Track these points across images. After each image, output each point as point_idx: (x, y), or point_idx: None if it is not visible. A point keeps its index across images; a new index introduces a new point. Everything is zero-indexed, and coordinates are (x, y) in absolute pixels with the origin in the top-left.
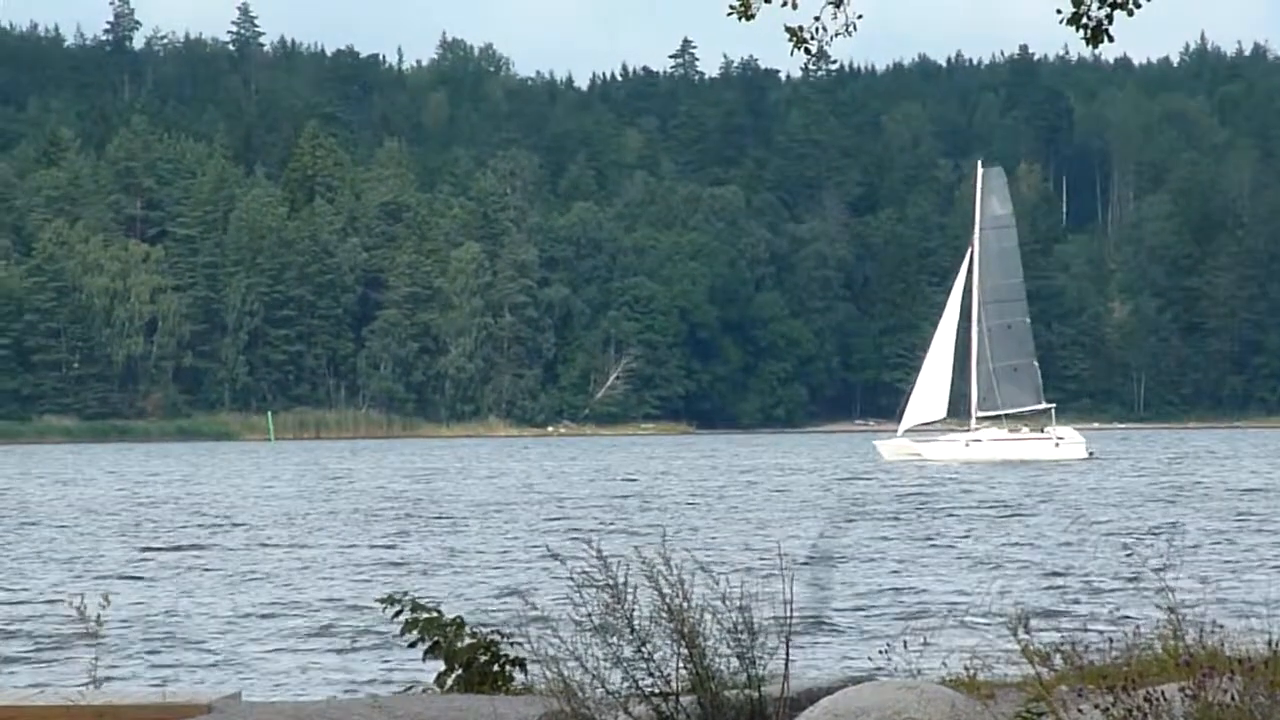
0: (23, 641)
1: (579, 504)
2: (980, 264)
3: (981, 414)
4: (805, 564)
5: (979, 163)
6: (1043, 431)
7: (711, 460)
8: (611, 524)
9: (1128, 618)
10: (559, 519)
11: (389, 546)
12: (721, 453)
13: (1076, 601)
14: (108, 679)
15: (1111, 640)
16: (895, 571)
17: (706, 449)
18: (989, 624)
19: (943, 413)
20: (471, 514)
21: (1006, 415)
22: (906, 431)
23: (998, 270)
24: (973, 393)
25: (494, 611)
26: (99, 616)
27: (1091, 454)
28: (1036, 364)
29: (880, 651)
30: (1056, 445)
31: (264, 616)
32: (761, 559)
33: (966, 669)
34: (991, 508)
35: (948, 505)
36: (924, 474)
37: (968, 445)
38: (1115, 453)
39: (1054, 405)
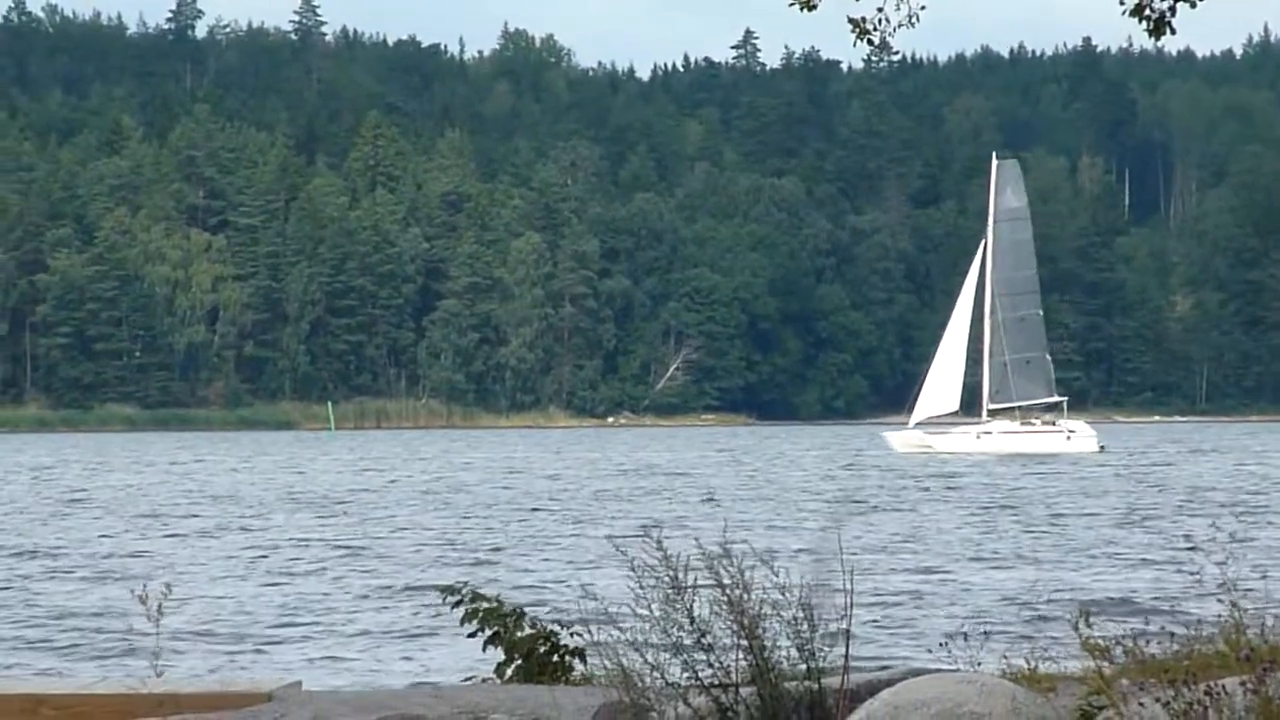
0: (84, 630)
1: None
2: (994, 256)
3: (993, 406)
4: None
5: (994, 155)
6: (1054, 425)
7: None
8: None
9: (1187, 611)
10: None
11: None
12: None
13: (1135, 594)
14: (169, 667)
15: (1172, 634)
16: (949, 565)
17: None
18: (1049, 617)
19: (955, 405)
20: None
21: (1019, 408)
22: (918, 424)
23: (1011, 263)
24: (985, 385)
25: (555, 602)
26: (160, 605)
27: (1103, 447)
28: (1049, 357)
29: (940, 644)
30: (1068, 439)
31: (327, 605)
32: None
33: (1027, 662)
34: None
35: (991, 497)
36: (952, 465)
37: (979, 438)
38: (1132, 448)
39: (1066, 398)
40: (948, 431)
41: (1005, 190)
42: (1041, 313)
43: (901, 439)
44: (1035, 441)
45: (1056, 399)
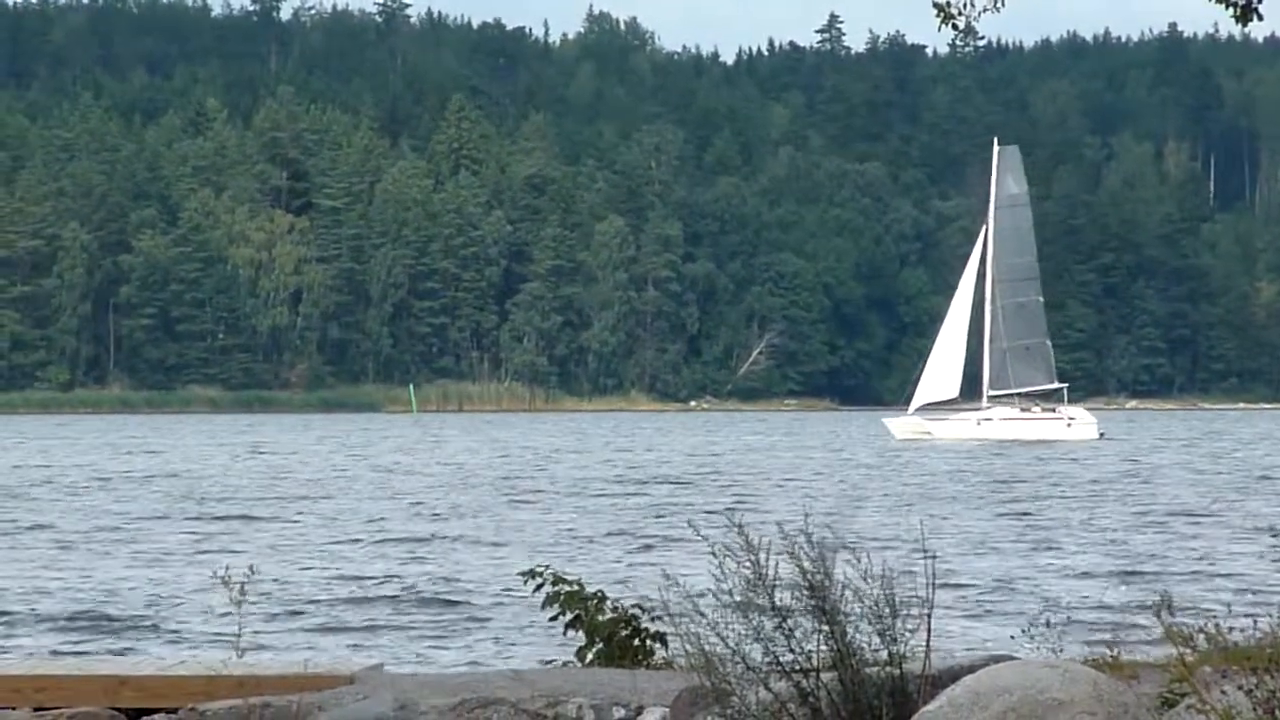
0: (167, 610)
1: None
2: (995, 243)
3: (993, 393)
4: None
5: (995, 140)
6: (1055, 411)
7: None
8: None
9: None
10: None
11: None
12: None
13: (1216, 581)
14: (252, 648)
15: (1255, 621)
16: (1027, 553)
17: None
18: (1132, 605)
19: (955, 392)
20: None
21: (1019, 394)
22: (918, 410)
23: (1012, 249)
24: (985, 372)
25: (636, 585)
26: (243, 586)
27: (1103, 434)
28: (1049, 343)
29: (1022, 630)
30: (1068, 425)
31: (410, 587)
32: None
33: (1109, 649)
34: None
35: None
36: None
37: (979, 424)
38: (1138, 433)
39: (1066, 385)
40: (947, 418)
41: (1006, 177)
42: (1041, 299)
43: (901, 425)
44: (1035, 428)
45: (1056, 385)
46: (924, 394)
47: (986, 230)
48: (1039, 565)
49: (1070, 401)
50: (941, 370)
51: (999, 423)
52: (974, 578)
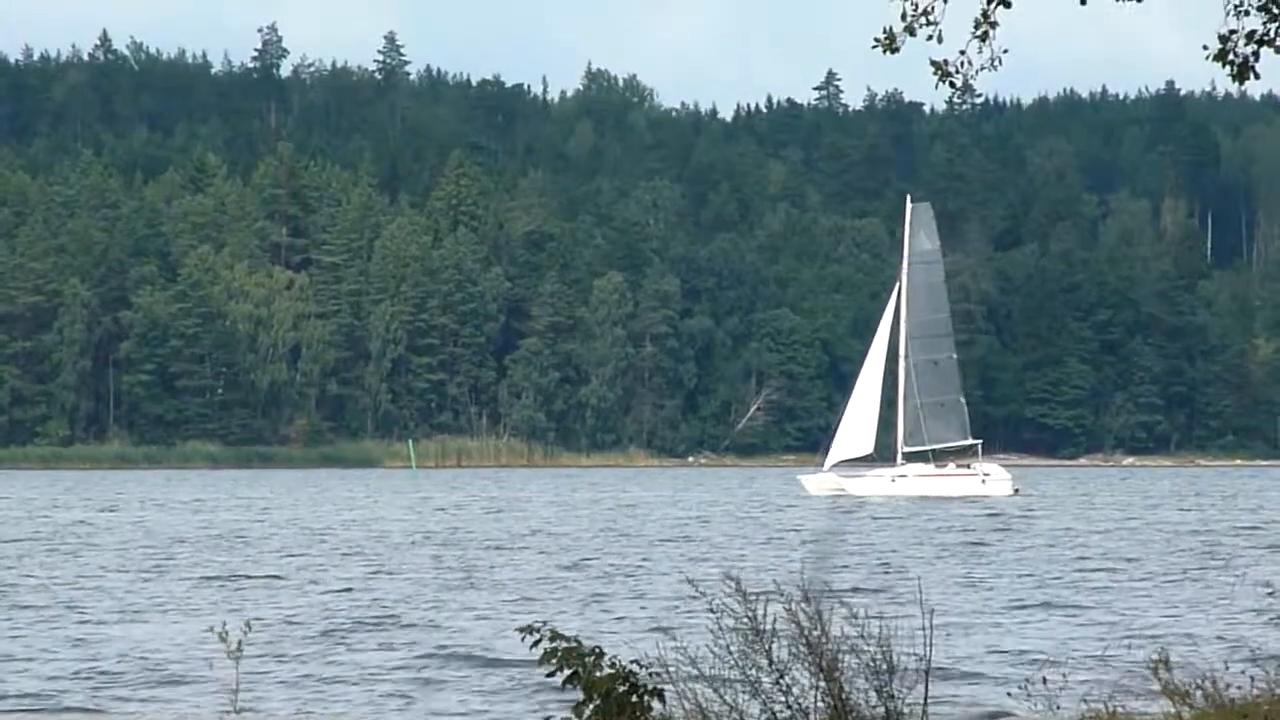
0: (166, 666)
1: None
2: (908, 300)
3: (908, 450)
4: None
5: (908, 197)
6: (969, 468)
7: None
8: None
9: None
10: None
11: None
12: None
13: (1216, 639)
14: (247, 707)
15: (1252, 678)
16: (1020, 609)
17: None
18: (1127, 661)
19: (870, 448)
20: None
21: (933, 451)
22: (833, 466)
23: (925, 305)
24: (899, 429)
25: (633, 642)
26: (240, 643)
27: (1017, 490)
28: (963, 400)
29: (1019, 687)
30: (983, 482)
31: (407, 645)
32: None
33: (1105, 706)
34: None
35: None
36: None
37: (894, 481)
38: (1045, 491)
39: (980, 441)
40: (862, 475)
41: (919, 233)
42: (955, 356)
43: (816, 482)
44: (949, 485)
45: (971, 442)
46: (839, 451)
47: (899, 287)
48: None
49: (1067, 458)
50: (856, 427)
51: (914, 479)
52: (974, 634)
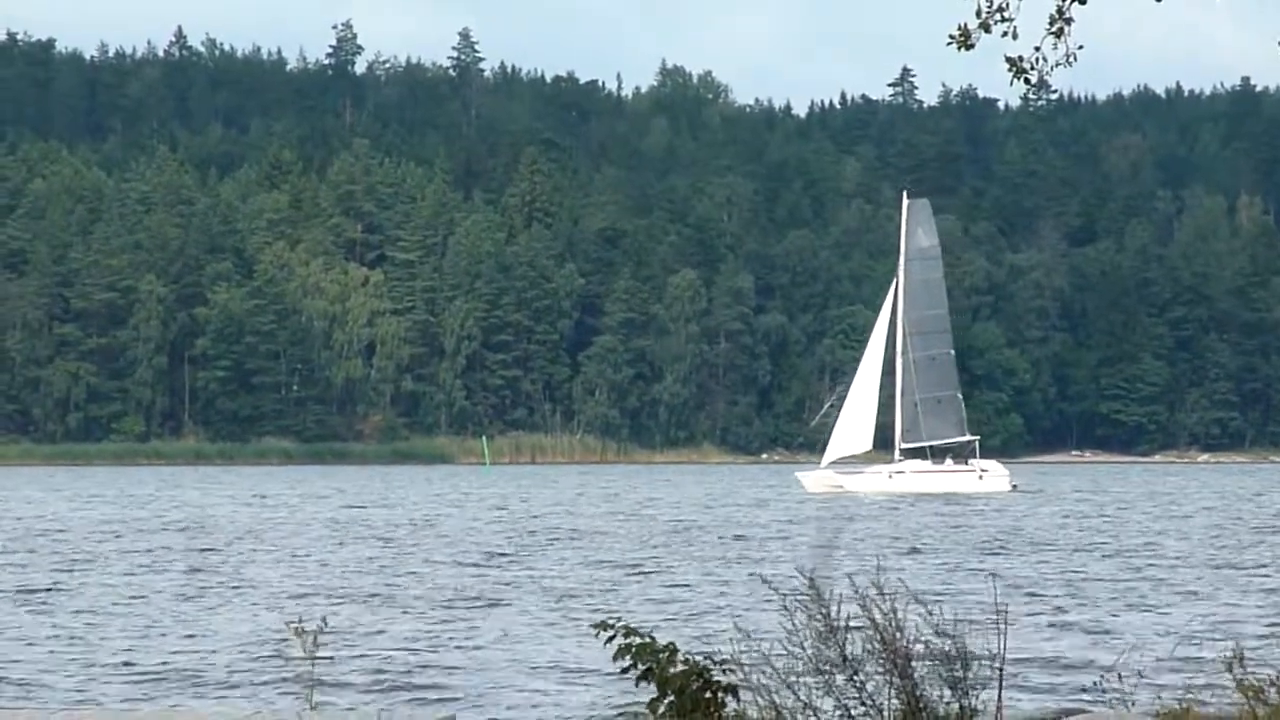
0: (242, 664)
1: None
2: (905, 296)
3: (905, 446)
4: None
5: (904, 193)
6: (967, 464)
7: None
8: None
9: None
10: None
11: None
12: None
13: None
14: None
15: None
16: (1095, 605)
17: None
18: (1202, 658)
19: (868, 445)
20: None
21: (931, 447)
22: (831, 464)
23: (923, 302)
24: (897, 425)
25: (708, 638)
26: (315, 638)
27: (1015, 486)
28: (960, 396)
29: (1094, 683)
30: (980, 478)
31: (480, 638)
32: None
33: (1179, 702)
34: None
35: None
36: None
37: (891, 477)
38: (1043, 487)
39: (978, 438)
40: (860, 472)
41: (916, 230)
42: (953, 352)
43: (813, 479)
44: (947, 481)
45: (969, 438)
46: (836, 448)
47: (897, 284)
48: (1106, 618)
49: (1142, 454)
50: (854, 424)
51: (911, 475)
52: (1044, 629)
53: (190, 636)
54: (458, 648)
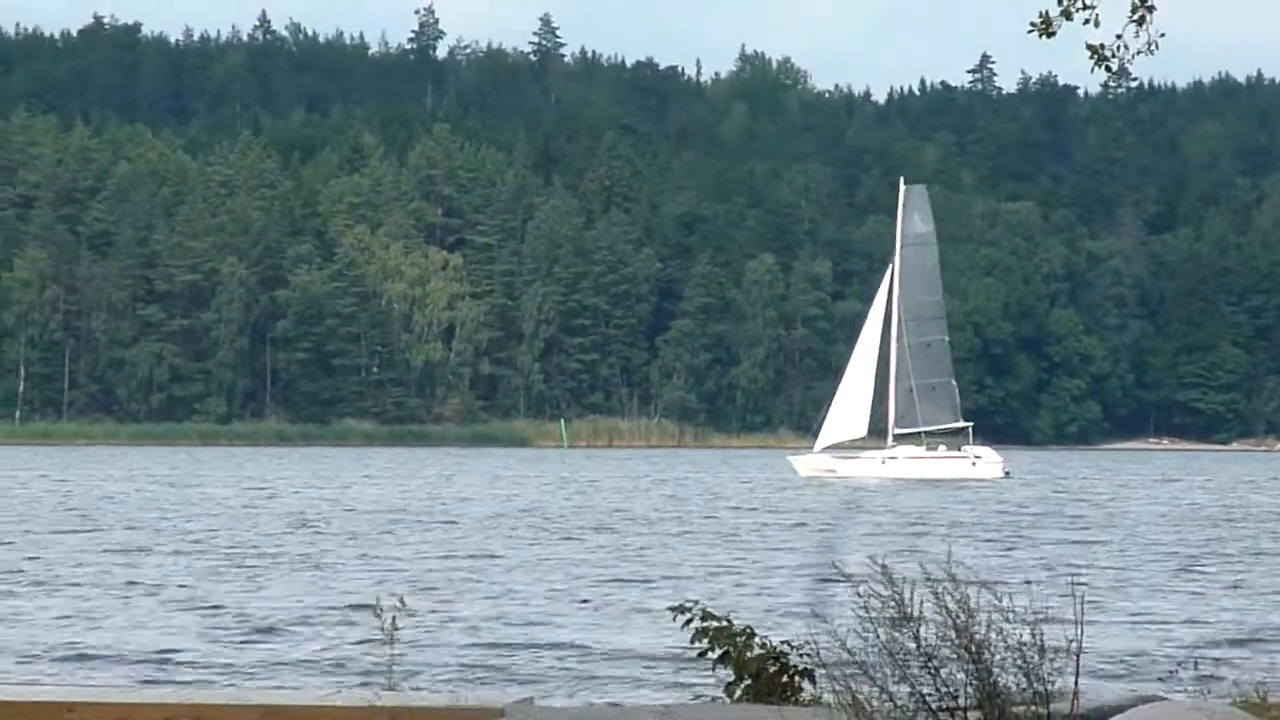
0: (322, 641)
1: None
2: (901, 281)
3: (899, 431)
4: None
5: (901, 180)
6: (960, 450)
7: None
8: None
9: None
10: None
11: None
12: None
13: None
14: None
15: None
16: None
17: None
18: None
19: (863, 431)
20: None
21: (925, 433)
22: (825, 449)
23: (918, 288)
24: (890, 411)
25: (783, 623)
26: (394, 619)
27: (1008, 473)
28: (954, 383)
29: (1170, 672)
30: (974, 464)
31: (562, 622)
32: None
33: (1257, 691)
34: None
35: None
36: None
37: (884, 463)
38: (1036, 473)
39: (971, 424)
40: (853, 457)
41: (913, 215)
42: (947, 338)
43: (805, 463)
44: (940, 467)
45: (962, 424)
46: (830, 433)
47: (893, 269)
48: (1182, 607)
49: (1219, 443)
50: (848, 409)
51: (904, 461)
52: (1126, 615)
53: (275, 612)
54: (535, 628)
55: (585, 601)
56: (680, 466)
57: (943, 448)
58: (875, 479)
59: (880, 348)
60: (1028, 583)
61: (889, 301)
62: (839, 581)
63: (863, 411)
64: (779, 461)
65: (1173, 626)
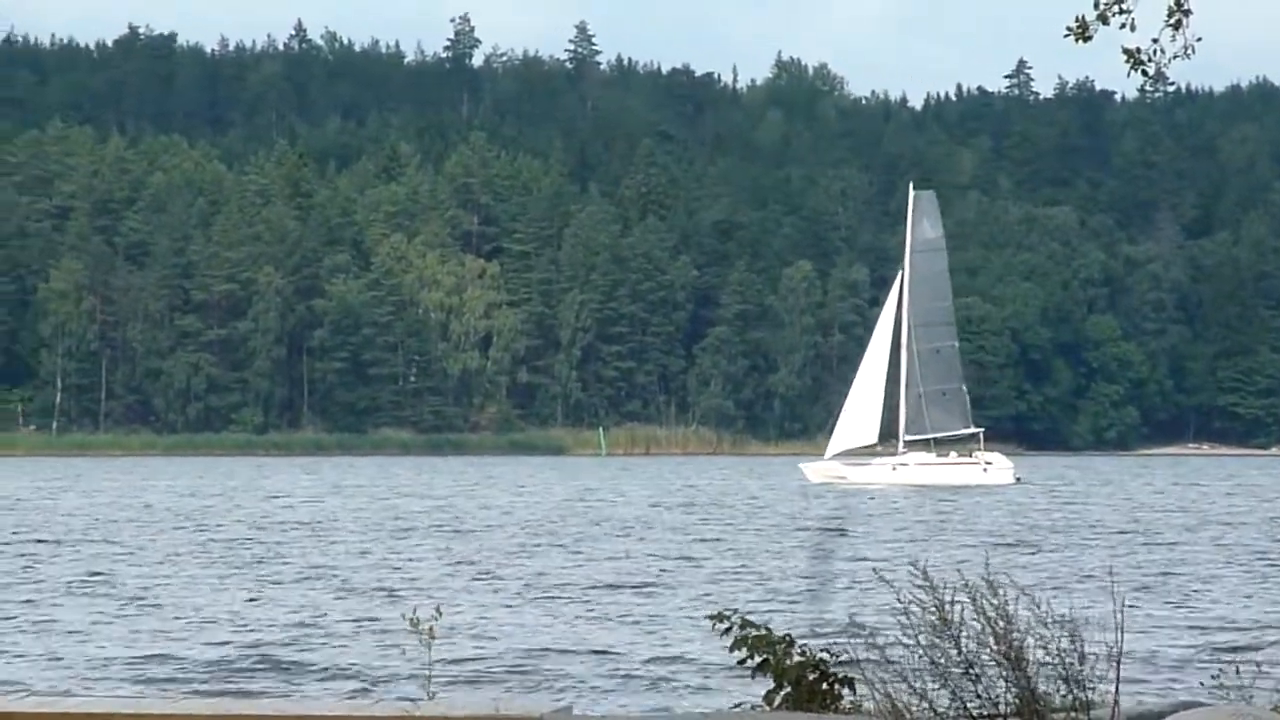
0: (358, 651)
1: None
2: (911, 288)
3: (909, 438)
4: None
5: (910, 184)
6: (971, 456)
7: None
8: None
9: None
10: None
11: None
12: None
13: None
14: (441, 690)
15: None
16: (1216, 598)
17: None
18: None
19: (874, 437)
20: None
21: (935, 440)
22: (835, 455)
23: (928, 294)
24: (901, 417)
25: (822, 630)
26: (431, 628)
27: (1019, 479)
28: (965, 389)
29: (1212, 677)
30: (984, 470)
31: (599, 631)
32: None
33: None
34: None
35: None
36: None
37: (895, 469)
38: (1047, 479)
39: (982, 430)
40: (864, 463)
41: (922, 221)
42: (957, 344)
43: (816, 470)
44: (951, 473)
45: (973, 430)
46: (841, 439)
47: (902, 275)
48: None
49: (1259, 447)
50: (859, 416)
51: (915, 467)
52: (1166, 620)
53: (312, 623)
54: (574, 636)
55: (620, 611)
56: (711, 472)
57: (954, 454)
58: (885, 485)
59: (890, 354)
60: (1057, 589)
61: (899, 308)
62: (847, 589)
63: (874, 418)
64: (794, 469)
65: (1212, 631)
